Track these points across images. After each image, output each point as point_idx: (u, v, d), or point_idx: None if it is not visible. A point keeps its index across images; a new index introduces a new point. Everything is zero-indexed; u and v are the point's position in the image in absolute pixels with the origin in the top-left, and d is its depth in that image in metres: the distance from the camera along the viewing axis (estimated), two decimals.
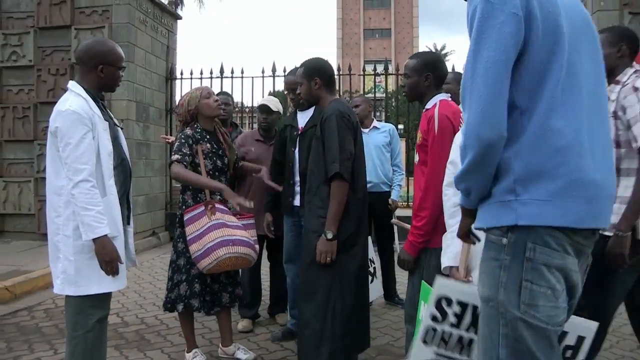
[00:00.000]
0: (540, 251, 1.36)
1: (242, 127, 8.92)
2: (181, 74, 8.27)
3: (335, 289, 2.74)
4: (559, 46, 1.39)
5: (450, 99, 2.68)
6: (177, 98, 8.23)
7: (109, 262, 2.32)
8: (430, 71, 2.62)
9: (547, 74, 1.38)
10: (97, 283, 2.34)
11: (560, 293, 1.38)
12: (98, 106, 2.44)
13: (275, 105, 3.94)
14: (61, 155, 2.29)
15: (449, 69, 3.07)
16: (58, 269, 2.37)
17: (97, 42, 2.64)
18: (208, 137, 3.17)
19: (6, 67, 7.41)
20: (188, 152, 3.05)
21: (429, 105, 2.62)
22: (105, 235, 2.28)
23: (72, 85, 2.46)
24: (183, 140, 3.07)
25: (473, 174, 1.43)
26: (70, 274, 2.32)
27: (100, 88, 2.52)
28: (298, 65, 3.20)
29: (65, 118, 2.29)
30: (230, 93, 8.07)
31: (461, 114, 2.69)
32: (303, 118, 3.48)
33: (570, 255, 1.38)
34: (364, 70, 8.25)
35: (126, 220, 2.59)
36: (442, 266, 2.30)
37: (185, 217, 3.00)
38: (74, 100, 2.36)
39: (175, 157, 3.03)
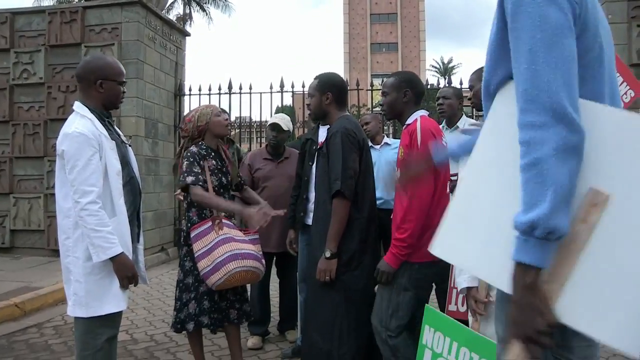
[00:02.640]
0: None
1: (250, 143, 9.03)
2: (190, 90, 8.30)
3: (341, 308, 2.68)
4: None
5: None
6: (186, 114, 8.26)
7: (131, 277, 2.37)
8: (408, 87, 2.66)
9: None
10: (107, 303, 2.33)
11: None
12: (104, 125, 2.42)
13: (286, 124, 3.97)
14: (68, 178, 2.28)
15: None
16: (70, 290, 2.36)
17: (95, 58, 2.61)
18: (213, 154, 3.15)
19: (17, 84, 7.50)
20: (199, 171, 3.00)
21: (409, 121, 2.62)
22: (122, 253, 2.30)
23: (77, 106, 2.43)
24: (192, 159, 3.02)
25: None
26: (81, 295, 2.31)
27: (104, 105, 2.48)
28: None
29: (72, 140, 2.28)
30: (239, 109, 8.19)
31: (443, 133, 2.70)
32: (324, 132, 3.40)
33: None
34: (371, 85, 8.27)
35: (136, 238, 2.58)
36: (459, 287, 2.26)
37: (192, 234, 2.97)
38: (80, 121, 2.34)
39: (190, 179, 2.95)
